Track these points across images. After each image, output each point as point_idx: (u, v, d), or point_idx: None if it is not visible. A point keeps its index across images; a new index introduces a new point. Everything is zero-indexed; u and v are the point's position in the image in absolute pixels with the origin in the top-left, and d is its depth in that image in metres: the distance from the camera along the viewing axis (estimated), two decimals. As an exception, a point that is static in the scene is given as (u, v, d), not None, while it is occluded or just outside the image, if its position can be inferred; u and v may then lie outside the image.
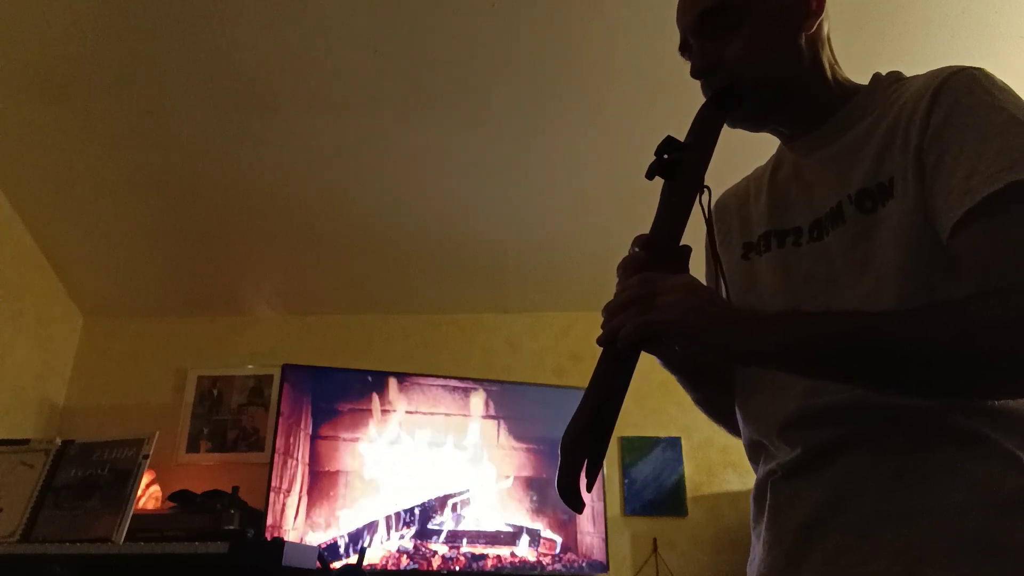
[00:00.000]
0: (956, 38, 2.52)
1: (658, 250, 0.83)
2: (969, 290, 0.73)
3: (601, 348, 0.78)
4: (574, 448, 0.73)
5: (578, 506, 0.73)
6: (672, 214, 0.84)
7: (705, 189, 0.87)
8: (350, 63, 2.61)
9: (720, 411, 1.03)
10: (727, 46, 0.88)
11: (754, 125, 0.94)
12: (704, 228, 0.96)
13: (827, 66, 0.91)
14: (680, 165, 0.85)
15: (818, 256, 0.87)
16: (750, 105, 0.89)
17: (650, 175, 0.86)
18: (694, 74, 0.91)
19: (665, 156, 0.85)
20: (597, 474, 0.73)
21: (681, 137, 0.89)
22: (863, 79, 0.94)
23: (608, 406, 0.75)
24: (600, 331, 0.77)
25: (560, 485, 0.73)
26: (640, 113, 2.70)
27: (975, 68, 0.80)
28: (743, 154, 1.08)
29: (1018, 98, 0.77)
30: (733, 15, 0.87)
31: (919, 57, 2.55)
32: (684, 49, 0.94)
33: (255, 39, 2.53)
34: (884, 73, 0.92)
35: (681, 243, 0.86)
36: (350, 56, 2.59)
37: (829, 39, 0.93)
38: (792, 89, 0.90)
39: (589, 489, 0.72)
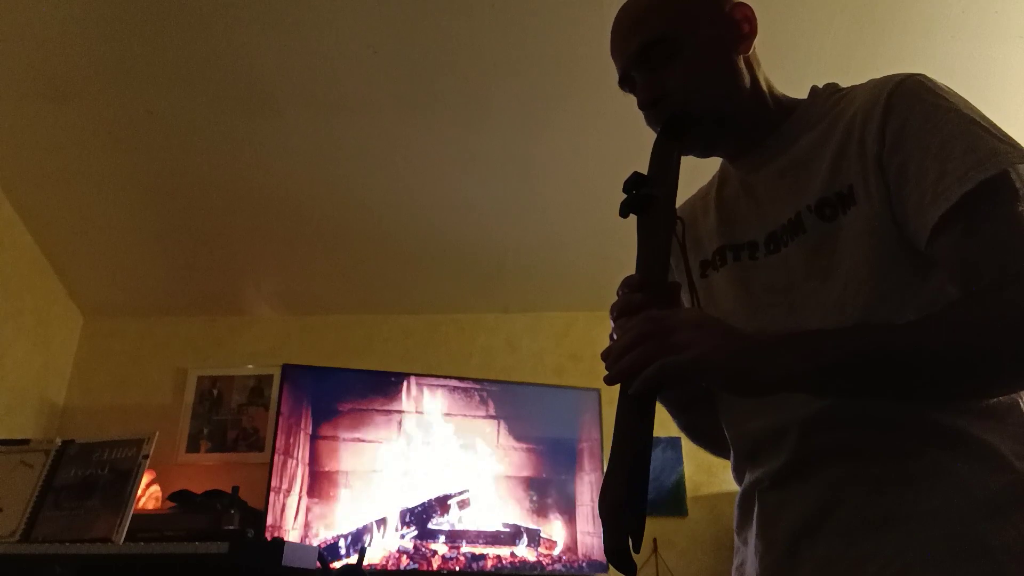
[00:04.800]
0: (956, 39, 2.53)
1: (649, 288, 0.82)
2: (947, 289, 0.74)
3: (599, 348, 0.77)
4: (617, 513, 0.71)
5: (631, 570, 0.71)
6: (655, 252, 0.83)
7: (679, 221, 0.87)
8: (350, 63, 2.61)
9: (706, 436, 1.04)
10: (669, 76, 0.88)
11: (703, 151, 0.95)
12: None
13: (764, 84, 0.93)
14: (651, 201, 0.85)
15: (776, 267, 0.87)
16: (698, 132, 0.90)
17: (624, 213, 0.86)
18: (641, 106, 0.92)
19: (634, 192, 0.85)
20: (642, 532, 0.71)
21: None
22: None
23: (639, 458, 0.73)
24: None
25: (609, 552, 0.71)
26: (641, 114, 2.69)
27: (920, 74, 0.81)
28: (701, 176, 1.08)
29: (965, 100, 0.78)
30: (671, 45, 0.88)
31: (920, 58, 2.55)
32: (624, 83, 0.95)
33: (255, 39, 2.53)
34: (820, 86, 0.94)
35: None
36: (350, 56, 2.59)
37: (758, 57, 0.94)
38: (735, 111, 0.91)
39: (636, 551, 0.70)
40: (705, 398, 0.99)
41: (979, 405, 0.75)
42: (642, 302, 0.80)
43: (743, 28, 0.90)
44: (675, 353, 0.70)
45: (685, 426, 1.06)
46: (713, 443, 1.03)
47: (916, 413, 0.75)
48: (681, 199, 0.97)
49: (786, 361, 0.71)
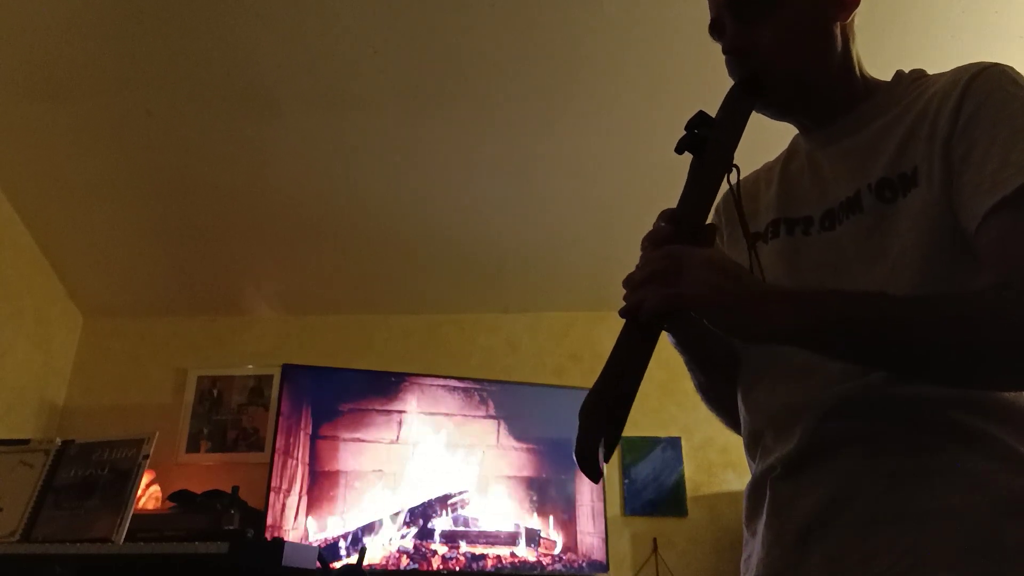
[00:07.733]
0: (956, 39, 2.52)
1: (684, 225, 0.81)
2: (988, 281, 0.73)
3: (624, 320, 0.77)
4: (593, 421, 0.74)
5: (596, 476, 0.74)
6: (700, 190, 0.83)
7: (734, 168, 0.86)
8: (350, 63, 2.61)
9: (721, 401, 1.02)
10: (762, 30, 0.87)
11: (779, 114, 0.94)
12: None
13: (855, 59, 0.91)
14: (708, 142, 0.84)
15: (828, 245, 0.86)
16: (777, 95, 0.89)
17: (679, 149, 0.85)
18: (726, 51, 0.90)
19: (695, 131, 0.84)
20: (615, 447, 0.74)
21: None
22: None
23: (628, 380, 0.75)
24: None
25: (578, 456, 0.74)
26: (641, 115, 2.70)
27: (1004, 64, 0.80)
28: (771, 141, 1.07)
29: None
30: (767, 1, 0.86)
31: (919, 58, 2.54)
32: (715, 29, 0.93)
33: (255, 39, 2.53)
34: (907, 71, 0.92)
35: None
36: (350, 56, 2.59)
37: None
38: (821, 80, 0.89)
39: (606, 460, 0.73)
40: (726, 361, 0.98)
41: (1000, 405, 0.74)
42: (669, 233, 0.80)
43: None
44: (683, 288, 0.72)
45: (702, 386, 1.05)
46: (727, 411, 1.01)
47: (936, 408, 0.74)
48: (745, 163, 0.96)
49: (782, 313, 0.72)
